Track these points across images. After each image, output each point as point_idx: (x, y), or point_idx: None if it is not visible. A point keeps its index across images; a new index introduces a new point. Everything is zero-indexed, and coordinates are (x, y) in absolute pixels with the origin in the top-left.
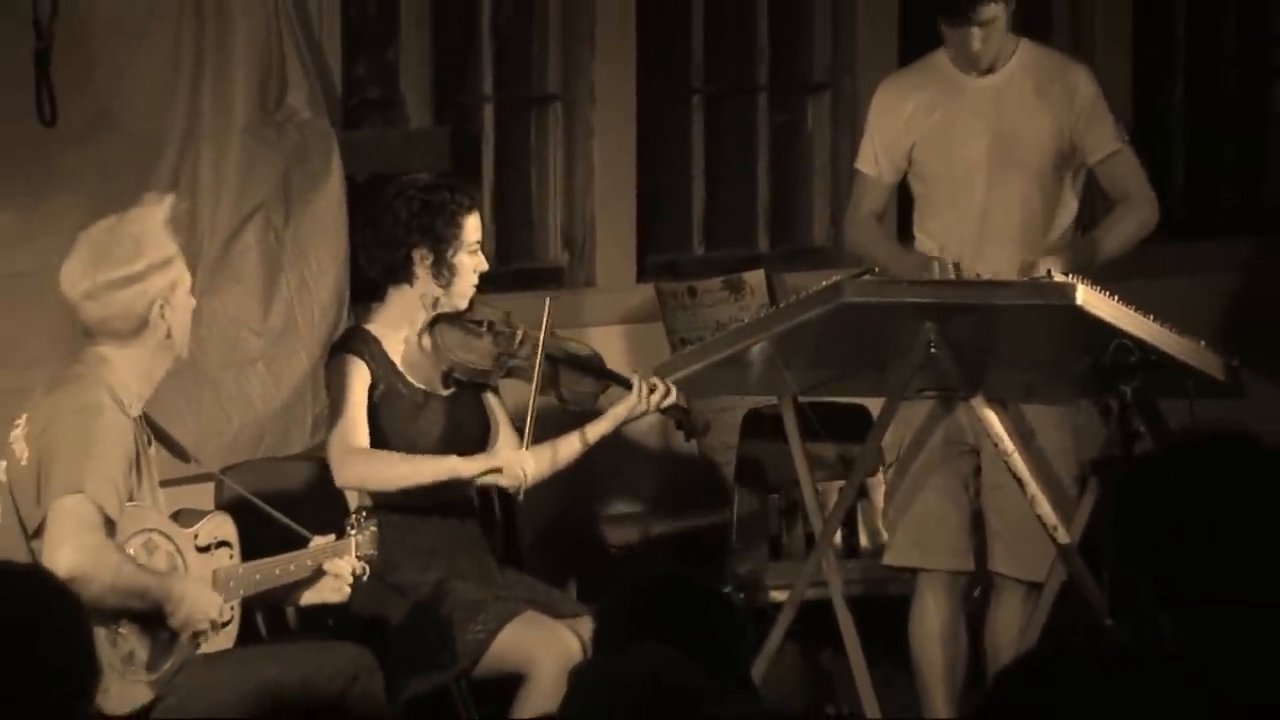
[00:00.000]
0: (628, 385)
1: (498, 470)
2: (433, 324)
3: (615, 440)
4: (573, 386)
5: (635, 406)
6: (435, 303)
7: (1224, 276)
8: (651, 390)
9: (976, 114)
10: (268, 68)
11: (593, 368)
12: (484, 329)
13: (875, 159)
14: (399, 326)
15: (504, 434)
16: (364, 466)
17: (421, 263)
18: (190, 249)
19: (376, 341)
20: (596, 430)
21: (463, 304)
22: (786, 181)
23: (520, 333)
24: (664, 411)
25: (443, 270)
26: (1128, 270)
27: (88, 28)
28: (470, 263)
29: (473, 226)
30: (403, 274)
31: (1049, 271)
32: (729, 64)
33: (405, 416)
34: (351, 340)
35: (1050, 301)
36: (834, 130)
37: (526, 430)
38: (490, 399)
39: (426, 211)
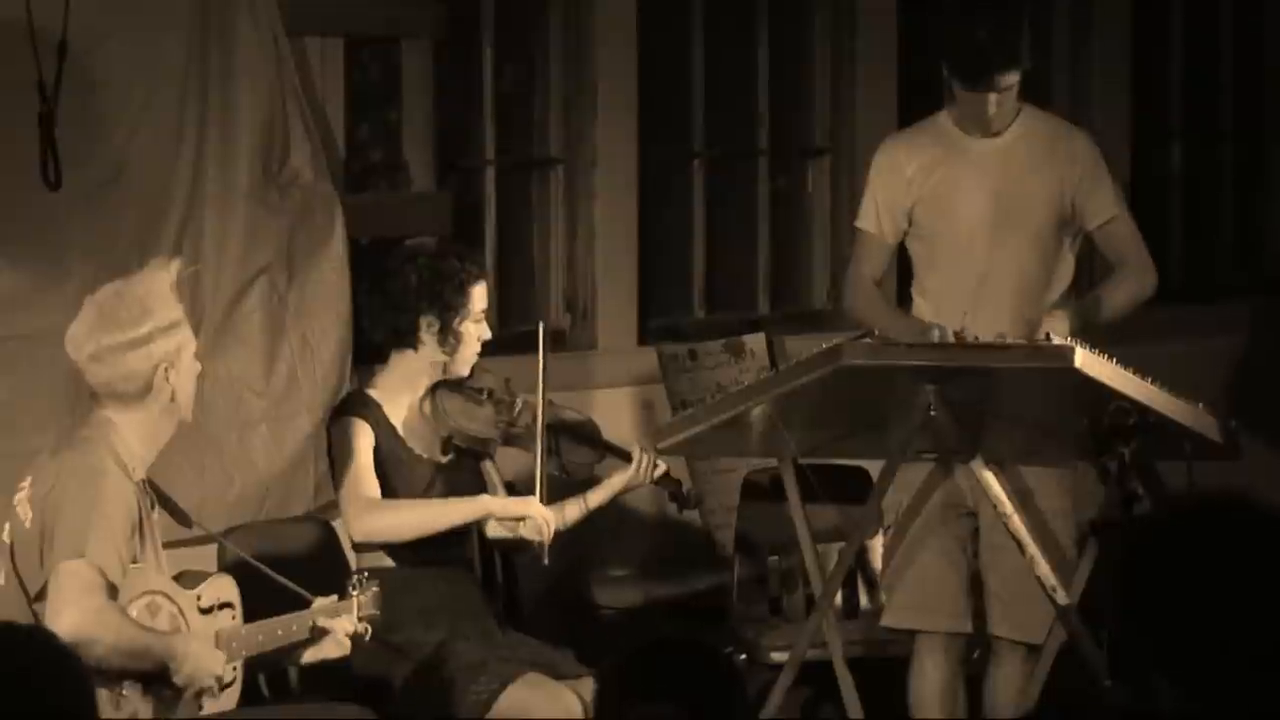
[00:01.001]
0: (626, 457)
1: (523, 518)
2: (433, 390)
3: (615, 502)
4: (571, 456)
5: (632, 479)
6: (439, 369)
7: (1221, 340)
8: (650, 464)
9: (978, 175)
10: (271, 131)
11: (591, 438)
12: (485, 397)
13: (877, 217)
14: (401, 392)
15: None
16: (386, 517)
17: (428, 329)
18: (194, 312)
19: (378, 406)
20: (594, 499)
21: (465, 371)
22: (787, 245)
23: (520, 401)
24: (658, 483)
25: (448, 338)
26: (1126, 333)
27: (92, 92)
28: (475, 331)
29: (480, 295)
30: (408, 339)
31: (1047, 335)
32: (729, 128)
33: (404, 481)
34: (354, 404)
35: (1049, 364)
36: (834, 194)
37: (537, 490)
38: (487, 466)
39: (437, 279)
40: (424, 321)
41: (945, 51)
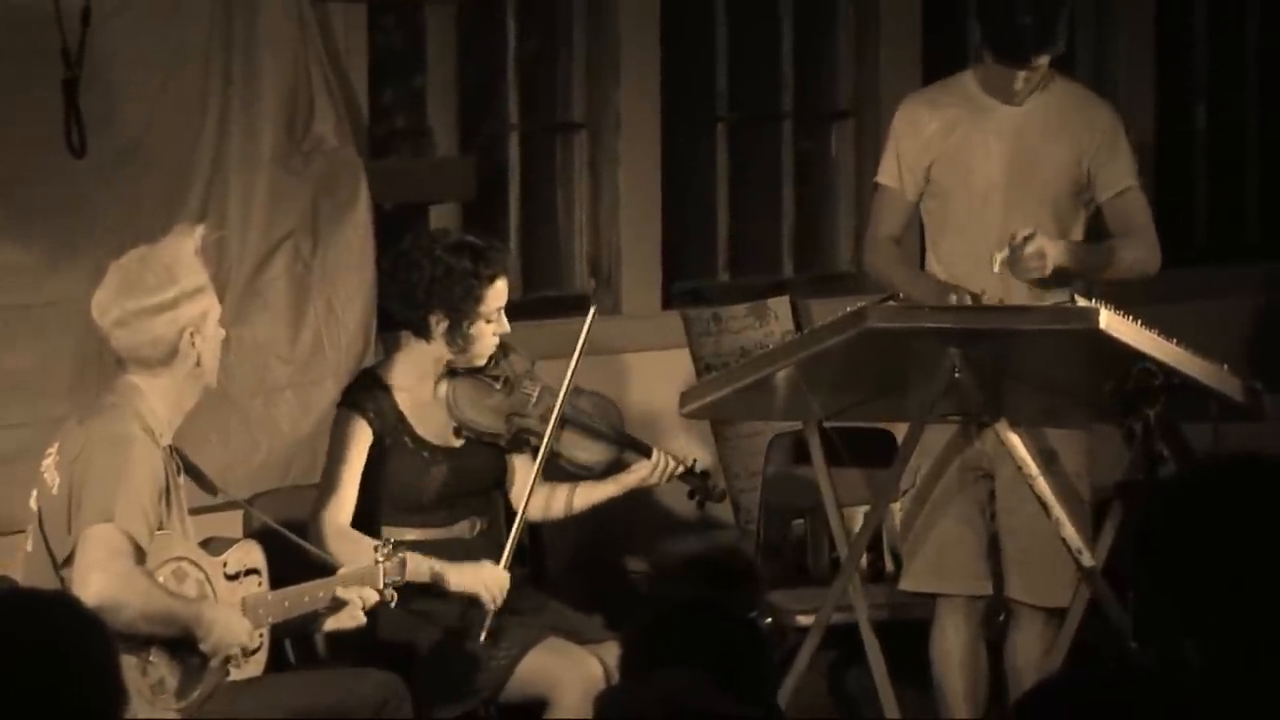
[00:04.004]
0: (646, 454)
1: (478, 590)
2: (451, 374)
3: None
4: (578, 456)
5: (646, 478)
6: (450, 361)
7: (1246, 300)
8: (669, 466)
9: (997, 137)
10: (295, 98)
11: (607, 436)
12: (499, 386)
13: (898, 172)
14: (414, 375)
15: (519, 480)
16: (348, 549)
17: (437, 325)
18: (218, 278)
19: (388, 391)
20: (603, 492)
21: (480, 363)
22: (811, 208)
23: (536, 392)
24: (681, 478)
25: (457, 339)
26: (1150, 294)
27: (116, 59)
28: (488, 330)
29: (494, 295)
30: (420, 330)
31: (1073, 298)
32: (753, 92)
33: (408, 472)
34: (360, 393)
35: (1073, 326)
36: (858, 157)
37: (524, 501)
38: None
39: (448, 278)
40: (433, 319)
41: (985, 25)
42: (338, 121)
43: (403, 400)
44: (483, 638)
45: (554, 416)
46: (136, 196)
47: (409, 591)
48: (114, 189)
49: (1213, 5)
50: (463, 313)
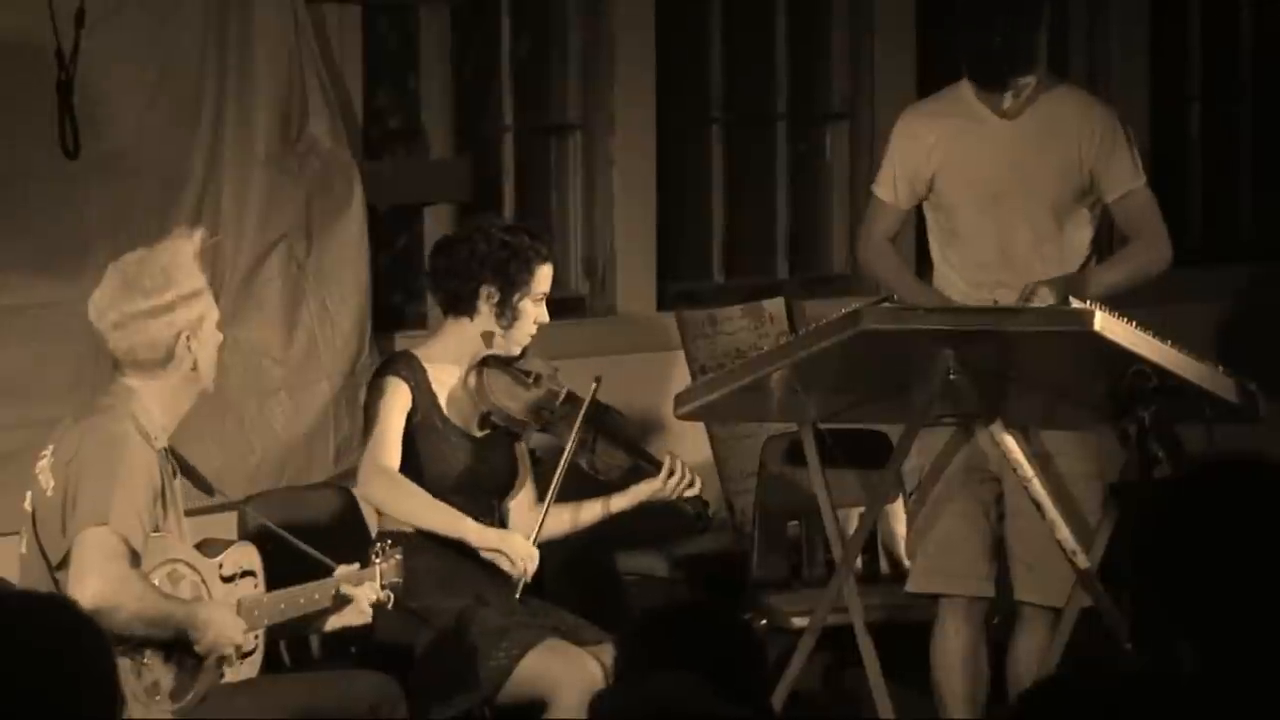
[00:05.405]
0: (657, 468)
1: (504, 554)
2: (482, 364)
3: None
4: (604, 459)
5: (659, 490)
6: (490, 342)
7: (1240, 301)
8: (681, 478)
9: (998, 145)
10: (289, 99)
11: (627, 444)
12: (531, 380)
13: (894, 186)
14: (449, 359)
15: (527, 486)
16: (387, 489)
17: (487, 300)
18: (213, 280)
19: (423, 371)
20: (617, 504)
21: (516, 350)
22: (805, 210)
23: (564, 392)
24: (684, 500)
25: (505, 311)
26: (1145, 296)
27: (110, 60)
28: (533, 311)
29: (544, 276)
30: (466, 306)
31: (1067, 299)
32: (748, 93)
33: (434, 451)
34: (399, 364)
35: (1068, 328)
36: (852, 159)
37: (550, 491)
38: (521, 448)
39: (504, 250)
40: (484, 291)
41: (960, 54)
42: (332, 123)
43: (435, 379)
44: (517, 594)
45: (579, 419)
46: (130, 197)
47: (407, 592)
48: (107, 190)
49: (1206, 7)
50: (516, 285)
